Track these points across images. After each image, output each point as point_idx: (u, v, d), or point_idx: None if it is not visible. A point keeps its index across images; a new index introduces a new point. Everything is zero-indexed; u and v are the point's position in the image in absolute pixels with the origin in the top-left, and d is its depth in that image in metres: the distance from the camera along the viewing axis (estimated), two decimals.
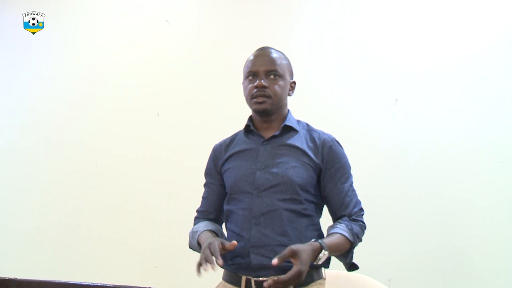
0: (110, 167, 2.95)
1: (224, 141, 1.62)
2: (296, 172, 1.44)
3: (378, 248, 2.37)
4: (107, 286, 2.78)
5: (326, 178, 1.47)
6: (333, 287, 1.62)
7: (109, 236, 2.90)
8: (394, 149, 2.55)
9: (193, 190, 2.66)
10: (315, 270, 1.42)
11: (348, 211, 1.46)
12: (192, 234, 1.54)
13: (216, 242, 1.32)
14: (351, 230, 1.41)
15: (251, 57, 1.53)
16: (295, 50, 2.40)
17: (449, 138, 2.47)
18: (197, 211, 1.65)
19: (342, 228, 1.41)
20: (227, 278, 1.48)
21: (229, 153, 1.55)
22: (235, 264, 1.42)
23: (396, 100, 2.59)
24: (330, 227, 1.46)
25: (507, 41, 2.46)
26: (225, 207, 1.54)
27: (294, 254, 1.24)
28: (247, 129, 1.55)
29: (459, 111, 2.48)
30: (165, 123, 2.89)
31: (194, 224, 1.61)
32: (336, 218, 1.50)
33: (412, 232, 2.46)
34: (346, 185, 1.48)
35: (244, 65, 1.55)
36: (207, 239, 1.40)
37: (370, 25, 2.67)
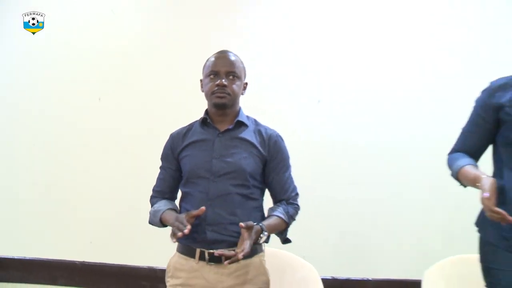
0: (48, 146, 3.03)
1: (181, 129, 1.83)
2: (247, 162, 1.70)
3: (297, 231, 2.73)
4: (41, 260, 2.90)
5: (270, 168, 1.76)
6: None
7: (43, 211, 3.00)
8: (316, 145, 2.86)
9: (128, 172, 2.87)
10: (258, 245, 1.69)
11: (287, 196, 1.76)
12: (154, 212, 1.76)
13: (183, 215, 1.59)
14: (287, 212, 1.72)
15: (213, 58, 1.75)
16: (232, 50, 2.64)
17: (367, 136, 2.84)
18: (154, 190, 1.86)
19: (280, 211, 1.71)
20: (182, 250, 1.73)
21: (186, 142, 1.77)
22: (190, 238, 1.64)
23: (319, 101, 2.92)
24: (271, 209, 1.76)
25: (417, 40, 2.85)
26: (182, 189, 1.77)
27: (251, 228, 1.55)
28: (204, 122, 1.79)
29: (377, 111, 2.85)
30: (106, 108, 2.99)
31: (152, 203, 1.83)
32: (276, 201, 1.79)
33: (328, 219, 2.83)
34: (286, 174, 1.78)
35: (205, 65, 1.77)
36: (172, 215, 1.66)
37: (297, 30, 2.92)
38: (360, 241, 2.80)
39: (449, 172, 1.64)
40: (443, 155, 1.72)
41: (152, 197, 1.86)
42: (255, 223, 1.59)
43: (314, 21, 2.91)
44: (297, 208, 1.79)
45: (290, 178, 1.80)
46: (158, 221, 1.74)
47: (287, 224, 1.73)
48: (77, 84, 2.99)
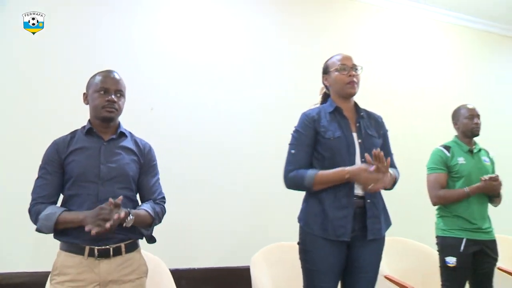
0: None
1: (66, 137, 1.94)
2: (130, 167, 1.93)
3: None
4: None
5: (142, 172, 2.00)
6: None
7: None
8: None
9: None
10: (136, 242, 1.94)
11: (154, 197, 2.02)
12: (47, 216, 1.78)
13: (104, 205, 1.73)
14: (154, 209, 1.96)
15: (101, 77, 1.93)
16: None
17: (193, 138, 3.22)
18: (38, 197, 1.86)
19: (147, 207, 1.94)
20: (69, 249, 1.82)
21: (72, 148, 1.89)
22: (80, 237, 1.78)
23: (152, 109, 3.16)
24: (139, 206, 1.96)
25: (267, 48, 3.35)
26: (67, 192, 1.86)
27: (118, 206, 1.76)
28: (89, 131, 1.93)
29: (215, 117, 3.27)
30: None
31: (38, 209, 1.83)
32: (144, 201, 2.01)
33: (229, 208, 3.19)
34: (155, 178, 2.05)
35: (94, 81, 1.94)
36: (79, 213, 1.78)
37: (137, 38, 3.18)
38: (187, 233, 3.12)
39: (303, 184, 2.02)
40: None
41: (36, 204, 1.86)
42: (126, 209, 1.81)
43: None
44: (163, 209, 2.04)
45: (158, 182, 2.07)
46: (52, 225, 1.78)
47: (153, 219, 1.95)
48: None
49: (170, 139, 3.13)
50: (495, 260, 2.80)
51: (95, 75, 1.97)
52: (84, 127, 1.98)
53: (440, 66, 4.38)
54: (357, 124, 2.12)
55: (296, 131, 2.13)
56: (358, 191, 2.02)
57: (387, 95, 3.92)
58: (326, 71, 2.22)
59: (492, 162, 2.94)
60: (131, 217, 1.81)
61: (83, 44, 3.04)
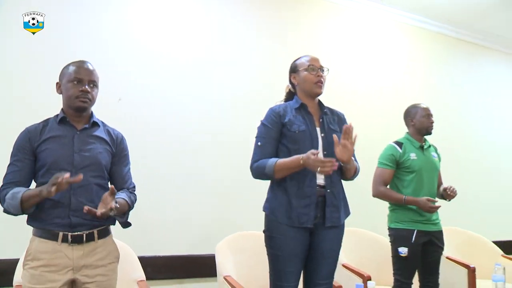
0: None
1: (38, 125, 1.98)
2: (102, 156, 2.00)
3: None
4: None
5: (114, 161, 2.06)
6: None
7: None
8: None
9: None
10: (108, 227, 2.02)
11: (127, 185, 2.10)
12: (12, 195, 1.83)
13: (57, 174, 1.74)
14: (129, 197, 2.05)
15: (75, 67, 1.97)
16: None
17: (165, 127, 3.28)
18: (9, 182, 1.90)
19: (125, 196, 2.02)
20: (43, 235, 1.87)
21: (45, 136, 1.93)
22: (54, 223, 1.86)
23: (120, 99, 3.19)
24: (117, 194, 2.00)
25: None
26: (41, 179, 1.89)
27: (113, 194, 1.86)
28: (62, 120, 1.98)
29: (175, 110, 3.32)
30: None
31: (6, 192, 1.86)
32: (117, 189, 2.04)
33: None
34: (127, 168, 2.13)
35: (68, 71, 1.98)
36: (38, 188, 1.82)
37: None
38: (153, 223, 3.17)
39: (264, 172, 2.17)
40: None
41: (4, 189, 1.90)
42: None
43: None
44: (135, 196, 2.13)
45: (129, 171, 2.15)
46: (18, 203, 1.81)
47: (129, 208, 2.05)
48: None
49: (137, 130, 3.14)
50: (442, 249, 3.04)
51: (68, 65, 2.02)
52: (57, 115, 2.02)
53: (398, 66, 4.57)
54: (321, 120, 2.30)
55: (263, 124, 2.28)
56: (320, 181, 2.19)
57: (349, 95, 4.07)
58: (295, 70, 2.36)
59: (439, 158, 3.17)
60: (116, 205, 1.88)
61: (51, 33, 2.99)
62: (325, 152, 2.20)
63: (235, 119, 3.52)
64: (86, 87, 1.96)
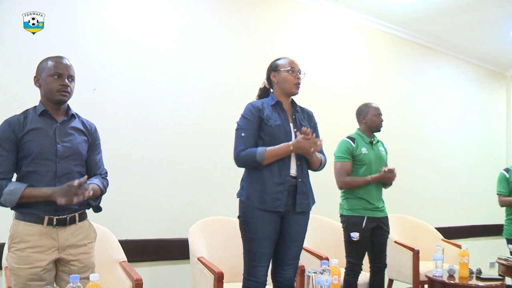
0: None
1: (19, 116, 2.11)
2: (82, 146, 2.19)
3: None
4: None
5: (89, 150, 2.25)
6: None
7: None
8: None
9: None
10: (85, 210, 2.22)
11: (100, 171, 2.30)
12: (11, 192, 1.99)
13: (73, 183, 1.98)
14: (102, 183, 2.26)
15: (54, 62, 2.12)
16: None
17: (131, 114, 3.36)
18: None
19: (97, 181, 2.22)
20: (29, 219, 2.04)
21: (27, 128, 2.07)
22: (39, 208, 2.03)
23: (95, 89, 3.24)
24: (90, 179, 2.21)
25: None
26: (25, 168, 2.06)
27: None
28: (43, 112, 2.11)
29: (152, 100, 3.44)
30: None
31: (1, 184, 2.01)
32: (90, 175, 2.22)
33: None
34: (100, 155, 2.33)
35: (47, 65, 2.11)
36: (45, 189, 2.02)
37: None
38: (126, 207, 3.30)
39: (255, 159, 2.41)
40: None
41: None
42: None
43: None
44: (107, 182, 2.31)
45: (102, 159, 2.35)
46: (16, 199, 1.99)
47: (102, 192, 2.24)
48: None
49: (111, 118, 3.24)
50: (388, 232, 3.41)
51: (46, 59, 2.16)
52: (35, 108, 2.16)
53: (355, 65, 4.82)
54: (293, 116, 2.59)
55: (244, 117, 2.54)
56: (292, 171, 2.49)
57: (311, 90, 4.23)
58: (276, 69, 2.61)
59: (386, 152, 3.53)
60: (90, 192, 2.08)
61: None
62: None
63: (206, 110, 3.66)
64: (66, 81, 2.12)
